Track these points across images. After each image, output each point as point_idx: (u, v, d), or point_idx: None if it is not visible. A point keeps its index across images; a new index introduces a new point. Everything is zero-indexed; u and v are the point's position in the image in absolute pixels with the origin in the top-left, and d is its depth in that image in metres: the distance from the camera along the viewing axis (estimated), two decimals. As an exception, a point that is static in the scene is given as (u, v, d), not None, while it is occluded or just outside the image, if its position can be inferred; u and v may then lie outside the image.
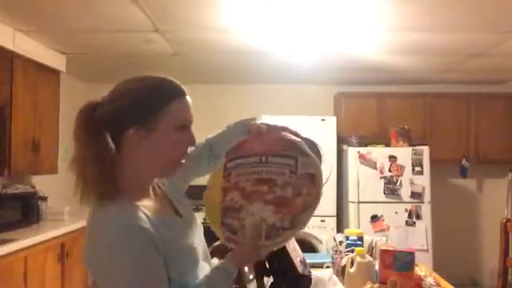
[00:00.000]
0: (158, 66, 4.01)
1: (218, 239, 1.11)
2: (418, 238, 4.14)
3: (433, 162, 4.28)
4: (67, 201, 4.44)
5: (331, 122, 4.48)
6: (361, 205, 4.22)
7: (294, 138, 1.12)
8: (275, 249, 1.06)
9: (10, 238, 2.86)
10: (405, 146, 4.33)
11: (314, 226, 4.31)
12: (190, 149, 1.07)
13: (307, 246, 4.19)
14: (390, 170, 4.23)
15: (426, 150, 4.26)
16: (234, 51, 3.71)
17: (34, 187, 3.70)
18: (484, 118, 4.79)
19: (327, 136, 4.39)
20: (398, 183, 4.21)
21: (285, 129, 1.14)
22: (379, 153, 4.28)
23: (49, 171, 3.76)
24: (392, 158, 4.24)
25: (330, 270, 2.03)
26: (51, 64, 3.68)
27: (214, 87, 4.95)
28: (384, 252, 1.80)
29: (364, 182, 4.23)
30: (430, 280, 1.92)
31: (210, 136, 1.34)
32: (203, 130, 1.30)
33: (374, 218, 4.19)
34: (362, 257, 1.88)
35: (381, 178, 4.23)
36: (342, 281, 1.92)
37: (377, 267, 1.86)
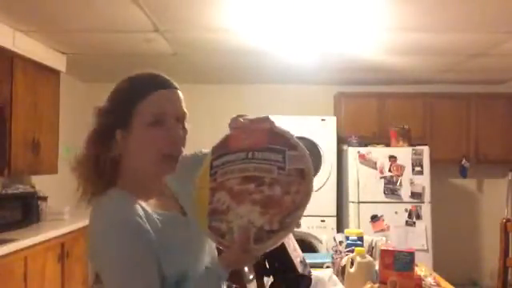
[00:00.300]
0: (157, 66, 3.96)
1: None
2: (418, 238, 4.14)
3: (433, 162, 4.28)
4: (67, 201, 4.44)
5: (331, 121, 4.48)
6: (361, 205, 4.22)
7: (279, 128, 1.04)
8: (267, 250, 1.00)
9: (10, 238, 2.86)
10: (405, 146, 4.33)
11: (314, 226, 4.32)
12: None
13: (307, 246, 4.20)
14: (390, 170, 4.23)
15: (426, 150, 4.26)
16: (234, 51, 3.71)
17: (33, 187, 3.69)
18: (484, 118, 4.79)
19: (327, 136, 4.40)
20: (398, 183, 4.21)
21: (267, 119, 1.06)
22: (379, 153, 4.28)
23: (49, 171, 3.76)
24: (392, 158, 4.24)
25: (330, 270, 2.03)
26: (51, 64, 3.68)
27: (214, 87, 4.95)
28: (384, 252, 1.80)
29: (364, 181, 4.23)
30: (429, 280, 1.92)
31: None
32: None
33: (374, 218, 4.19)
34: (362, 257, 1.88)
35: (381, 178, 4.23)
36: (342, 281, 1.92)
37: (377, 267, 1.86)
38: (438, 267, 3.66)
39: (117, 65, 4.13)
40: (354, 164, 4.26)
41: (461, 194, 5.11)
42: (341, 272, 1.97)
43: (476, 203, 5.14)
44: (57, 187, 4.26)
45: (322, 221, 4.34)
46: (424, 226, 4.18)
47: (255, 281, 1.24)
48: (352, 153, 4.29)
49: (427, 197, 4.21)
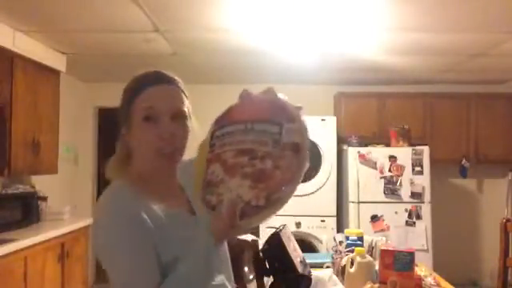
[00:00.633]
0: (157, 66, 3.93)
1: None
2: (418, 238, 4.14)
3: (433, 162, 4.28)
4: (67, 201, 4.45)
5: (331, 121, 4.48)
6: (361, 205, 4.22)
7: (283, 100, 0.99)
8: (254, 225, 0.96)
9: (10, 238, 2.86)
10: (405, 146, 4.33)
11: (314, 226, 4.32)
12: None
13: (307, 246, 4.20)
14: (390, 170, 4.23)
15: (426, 150, 4.26)
16: (234, 51, 3.71)
17: (33, 187, 3.69)
18: (484, 118, 4.79)
19: (327, 136, 4.40)
20: (398, 183, 4.22)
21: (271, 91, 1.02)
22: (379, 153, 4.28)
23: (49, 171, 3.76)
24: (392, 158, 4.24)
25: (330, 270, 2.03)
26: (51, 64, 3.68)
27: (214, 87, 4.95)
28: (384, 252, 1.80)
29: (364, 182, 4.23)
30: (429, 280, 1.92)
31: None
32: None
33: (374, 218, 4.20)
34: (362, 257, 1.88)
35: (381, 178, 4.23)
36: (342, 281, 1.92)
37: (377, 267, 1.86)
38: (437, 267, 3.66)
39: (117, 65, 4.14)
40: (354, 164, 4.26)
41: (461, 193, 5.11)
42: (341, 272, 1.97)
43: (476, 203, 5.14)
44: (57, 187, 4.27)
45: (322, 221, 4.34)
46: (424, 225, 4.18)
47: (255, 281, 1.25)
48: (352, 153, 4.29)
49: (427, 197, 4.21)
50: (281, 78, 4.70)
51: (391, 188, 4.21)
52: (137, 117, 1.04)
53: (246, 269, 1.23)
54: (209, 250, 0.98)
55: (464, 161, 4.74)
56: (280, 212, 0.94)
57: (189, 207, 1.12)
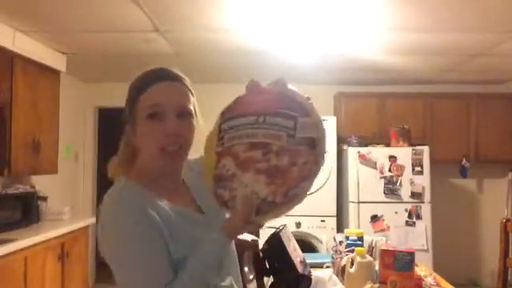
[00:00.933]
0: (157, 66, 4.01)
1: None
2: (418, 238, 4.14)
3: (433, 162, 4.28)
4: (67, 201, 4.45)
5: (331, 122, 4.48)
6: (361, 205, 4.22)
7: (294, 91, 0.97)
8: (265, 222, 0.95)
9: (10, 238, 2.86)
10: (405, 145, 4.33)
11: (314, 226, 4.32)
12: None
13: (307, 246, 4.20)
14: (390, 170, 4.23)
15: (426, 150, 4.26)
16: (235, 51, 3.71)
17: (33, 187, 3.69)
18: (484, 118, 4.79)
19: (327, 136, 4.39)
20: (398, 183, 4.21)
21: (281, 81, 1.00)
22: (379, 153, 4.28)
23: (49, 171, 3.76)
24: (392, 158, 4.24)
25: (330, 270, 2.03)
26: (51, 64, 3.68)
27: (214, 87, 4.94)
28: (384, 252, 1.80)
29: (364, 182, 4.23)
30: (429, 280, 1.92)
31: None
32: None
33: (374, 218, 4.19)
34: (362, 257, 1.88)
35: (381, 178, 4.23)
36: (342, 281, 1.92)
37: (377, 267, 1.86)
38: (437, 267, 3.66)
39: (117, 65, 4.14)
40: (354, 164, 4.26)
41: (461, 193, 5.11)
42: (341, 272, 1.97)
43: (476, 203, 5.14)
44: (57, 187, 4.27)
45: (322, 221, 4.34)
46: (424, 226, 4.18)
47: (255, 281, 1.25)
48: (352, 153, 4.29)
49: (427, 197, 4.21)
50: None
51: (391, 188, 4.21)
52: (142, 114, 1.02)
53: (246, 269, 1.23)
54: (221, 247, 0.97)
55: (464, 161, 4.74)
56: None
57: (195, 205, 1.11)
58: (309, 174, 0.89)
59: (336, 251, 2.14)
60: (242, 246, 1.34)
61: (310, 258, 1.85)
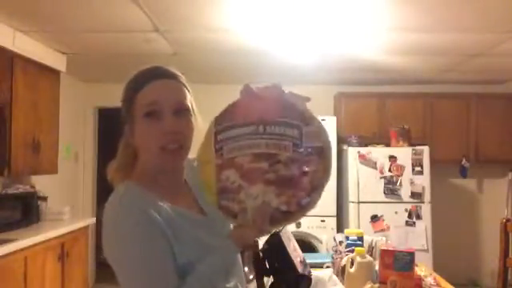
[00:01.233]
0: (153, 64, 4.00)
1: None
2: (418, 238, 4.14)
3: (433, 162, 4.28)
4: (67, 201, 4.45)
5: (331, 122, 4.48)
6: (361, 205, 4.22)
7: (291, 97, 0.96)
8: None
9: (10, 238, 2.86)
10: (405, 145, 4.34)
11: (314, 226, 4.32)
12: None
13: (307, 246, 4.20)
14: (390, 170, 4.23)
15: (426, 150, 4.26)
16: (234, 51, 3.71)
17: (33, 187, 3.69)
18: (484, 118, 4.79)
19: (328, 134, 4.39)
20: (398, 183, 4.21)
21: (277, 87, 0.98)
22: (379, 153, 4.28)
23: (49, 171, 3.76)
24: (392, 158, 4.24)
25: (330, 270, 2.03)
26: (51, 64, 3.68)
27: (214, 87, 4.95)
28: (384, 252, 1.80)
29: (364, 182, 4.23)
30: (429, 280, 1.92)
31: None
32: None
33: (374, 218, 4.19)
34: (362, 257, 1.88)
35: (381, 178, 4.23)
36: (342, 281, 1.92)
37: (377, 267, 1.86)
38: (437, 267, 3.66)
39: (117, 65, 4.13)
40: (354, 164, 4.26)
41: (461, 193, 5.11)
42: (341, 272, 1.97)
43: (476, 203, 5.14)
44: (57, 187, 4.27)
45: (322, 221, 4.34)
46: (424, 226, 4.18)
47: (255, 281, 1.24)
48: (352, 153, 4.29)
49: (427, 197, 4.21)
50: (281, 77, 4.70)
51: (391, 188, 4.21)
52: (139, 113, 1.01)
53: (246, 269, 1.23)
54: (231, 255, 0.97)
55: (464, 161, 4.74)
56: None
57: (197, 207, 1.10)
58: (320, 183, 0.91)
59: (336, 251, 2.14)
60: (242, 246, 1.34)
61: (310, 258, 1.85)
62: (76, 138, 4.84)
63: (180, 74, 1.08)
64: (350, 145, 4.40)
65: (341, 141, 4.57)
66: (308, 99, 0.98)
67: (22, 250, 2.84)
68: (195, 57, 3.94)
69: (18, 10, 2.84)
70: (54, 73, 3.80)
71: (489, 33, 3.24)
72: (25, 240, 2.89)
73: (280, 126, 0.92)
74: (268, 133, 0.92)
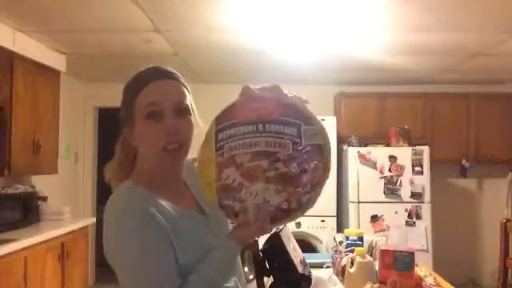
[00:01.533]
0: (151, 65, 4.00)
1: None
2: (418, 238, 4.14)
3: (433, 162, 4.28)
4: (67, 201, 4.45)
5: (331, 122, 4.48)
6: (361, 205, 4.22)
7: (291, 97, 0.98)
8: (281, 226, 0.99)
9: (10, 238, 2.86)
10: (405, 145, 4.33)
11: (314, 226, 4.32)
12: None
13: (307, 246, 4.20)
14: (390, 170, 4.23)
15: (426, 150, 4.26)
16: (235, 51, 3.71)
17: (33, 187, 3.69)
18: (484, 118, 4.79)
19: (327, 133, 4.39)
20: (398, 183, 4.21)
21: (277, 88, 1.01)
22: (379, 153, 4.28)
23: (49, 171, 3.76)
24: (392, 158, 4.24)
25: (330, 270, 2.03)
26: (51, 64, 3.68)
27: (214, 87, 4.95)
28: (384, 252, 1.80)
29: (364, 182, 4.23)
30: (429, 280, 1.92)
31: None
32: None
33: (374, 218, 4.19)
34: (362, 257, 1.88)
35: (381, 178, 4.23)
36: (342, 281, 1.92)
37: (377, 267, 1.86)
38: (438, 267, 3.66)
39: (117, 65, 4.13)
40: (354, 164, 4.26)
41: (461, 194, 5.11)
42: (341, 272, 1.97)
43: (476, 203, 5.14)
44: (57, 187, 4.27)
45: (322, 221, 4.34)
46: (424, 226, 4.18)
47: (255, 281, 1.24)
48: (352, 153, 4.29)
49: (427, 197, 4.21)
50: (281, 77, 4.70)
51: (391, 188, 4.21)
52: (140, 114, 1.01)
53: (245, 269, 1.23)
54: (232, 254, 0.98)
55: (464, 161, 4.74)
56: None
57: (197, 206, 1.10)
58: (319, 180, 0.93)
59: (336, 251, 2.14)
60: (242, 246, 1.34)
61: (310, 258, 1.85)
62: (76, 138, 4.84)
63: (179, 74, 1.08)
64: (350, 145, 4.40)
65: (341, 141, 4.57)
66: (306, 102, 0.99)
67: (22, 249, 2.84)
68: (195, 57, 3.94)
69: (18, 9, 2.84)
70: (54, 73, 3.80)
71: (489, 33, 3.24)
72: (25, 240, 2.89)
73: (279, 125, 0.94)
74: (267, 131, 0.93)
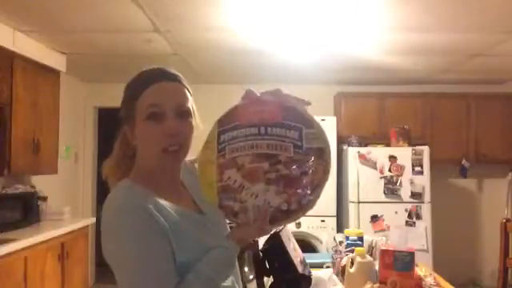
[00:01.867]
0: (154, 65, 4.01)
1: None
2: (418, 238, 4.14)
3: (433, 162, 4.28)
4: (67, 201, 4.45)
5: (331, 121, 4.48)
6: (361, 205, 4.22)
7: (292, 100, 0.99)
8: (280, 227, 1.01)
9: (10, 238, 2.86)
10: (405, 145, 4.33)
11: (314, 226, 4.32)
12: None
13: (307, 246, 4.20)
14: (390, 170, 4.23)
15: (426, 150, 4.26)
16: (235, 51, 3.71)
17: (33, 187, 3.70)
18: (484, 118, 4.79)
19: (327, 136, 4.39)
20: (398, 183, 4.21)
21: (279, 91, 1.01)
22: (379, 153, 4.28)
23: (49, 171, 3.76)
24: (392, 158, 4.24)
25: (330, 270, 2.03)
26: (51, 64, 3.68)
27: (214, 87, 4.95)
28: (384, 252, 1.80)
29: (364, 182, 4.23)
30: (429, 280, 1.92)
31: None
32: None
33: (374, 218, 4.19)
34: (362, 257, 1.88)
35: (381, 178, 4.23)
36: (342, 281, 1.92)
37: (377, 267, 1.86)
38: (438, 267, 3.66)
39: (117, 65, 4.14)
40: (354, 164, 4.26)
41: (461, 193, 5.11)
42: (341, 272, 1.97)
43: (476, 203, 5.14)
44: (57, 187, 4.27)
45: (322, 221, 4.34)
46: (424, 226, 4.18)
47: (255, 281, 1.25)
48: (352, 153, 4.29)
49: (427, 197, 4.21)
50: (281, 77, 4.70)
51: (391, 188, 4.21)
52: (141, 114, 1.01)
53: (246, 269, 1.23)
54: (231, 255, 0.98)
55: (464, 161, 4.74)
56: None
57: (194, 206, 1.10)
58: (319, 183, 0.94)
59: (336, 251, 2.14)
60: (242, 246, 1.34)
61: (310, 258, 1.85)
62: (76, 138, 4.84)
63: (181, 76, 1.09)
64: (350, 145, 4.40)
65: (341, 141, 4.57)
66: (308, 103, 1.00)
67: (22, 249, 2.85)
68: (195, 57, 3.94)
69: (18, 10, 2.84)
70: (54, 73, 3.80)
71: (489, 33, 3.25)
72: (25, 240, 2.90)
73: (281, 128, 0.95)
74: (269, 134, 0.95)
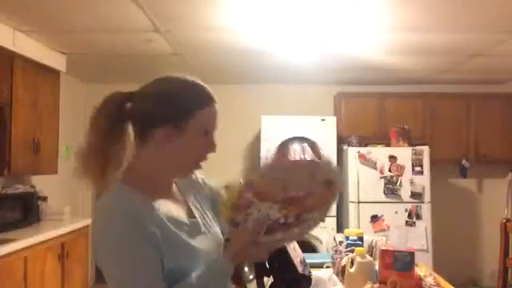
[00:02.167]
0: (157, 66, 4.01)
1: None
2: (418, 238, 4.14)
3: (433, 162, 4.28)
4: (67, 201, 4.45)
5: (331, 121, 4.48)
6: (361, 205, 4.22)
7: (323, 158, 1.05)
8: (274, 248, 1.02)
9: (10, 238, 2.86)
10: (405, 145, 4.34)
11: (314, 226, 4.32)
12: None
13: (307, 246, 4.20)
14: (390, 170, 4.23)
15: (426, 150, 4.26)
16: (235, 51, 3.71)
17: (33, 187, 3.70)
18: (484, 118, 4.79)
19: (327, 136, 4.39)
20: (398, 183, 4.22)
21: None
22: (379, 153, 4.28)
23: (49, 171, 3.76)
24: (392, 158, 4.24)
25: (330, 270, 2.03)
26: (51, 64, 3.68)
27: (214, 87, 4.89)
28: (384, 252, 1.80)
29: (364, 182, 4.23)
30: (429, 280, 1.92)
31: None
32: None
33: (374, 218, 4.19)
34: (362, 257, 1.88)
35: (381, 178, 4.23)
36: (342, 281, 1.92)
37: (377, 267, 1.86)
38: (438, 267, 3.66)
39: (117, 65, 4.14)
40: (354, 164, 4.26)
41: (461, 193, 5.11)
42: (341, 272, 1.97)
43: (476, 203, 5.14)
44: (57, 187, 4.27)
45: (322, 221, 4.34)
46: (424, 226, 4.18)
47: (255, 281, 1.24)
48: (352, 153, 4.29)
49: (427, 197, 4.21)
50: (281, 77, 4.71)
51: (391, 188, 4.21)
52: (196, 128, 1.04)
53: (246, 269, 1.23)
54: (220, 269, 0.98)
55: (464, 161, 4.74)
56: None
57: (188, 211, 1.12)
58: (322, 205, 0.99)
59: (336, 251, 2.14)
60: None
61: (310, 258, 1.85)
62: (76, 138, 4.84)
63: None
64: (350, 145, 4.40)
65: (341, 141, 4.57)
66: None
67: (22, 249, 2.85)
68: (195, 57, 3.94)
69: (18, 10, 2.84)
70: (54, 73, 3.80)
71: (489, 33, 3.25)
72: (25, 240, 2.90)
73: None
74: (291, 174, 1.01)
